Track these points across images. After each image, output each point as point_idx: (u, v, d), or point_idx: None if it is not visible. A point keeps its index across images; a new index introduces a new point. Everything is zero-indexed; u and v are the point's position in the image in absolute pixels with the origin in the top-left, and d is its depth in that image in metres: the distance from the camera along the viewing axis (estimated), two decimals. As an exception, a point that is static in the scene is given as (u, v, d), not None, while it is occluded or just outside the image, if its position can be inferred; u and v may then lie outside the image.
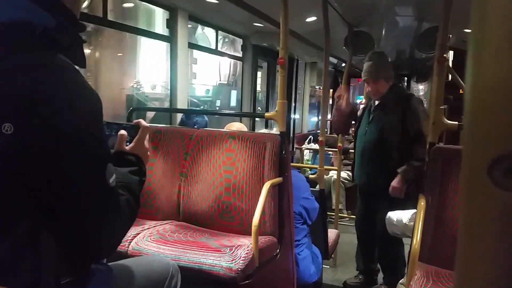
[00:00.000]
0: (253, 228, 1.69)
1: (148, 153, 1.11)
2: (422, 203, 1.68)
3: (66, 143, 0.75)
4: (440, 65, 1.92)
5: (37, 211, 0.77)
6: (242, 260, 1.61)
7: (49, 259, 0.80)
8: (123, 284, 1.08)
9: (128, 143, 1.06)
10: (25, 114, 0.71)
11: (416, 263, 1.48)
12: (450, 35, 2.70)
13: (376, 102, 2.61)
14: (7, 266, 0.75)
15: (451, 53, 4.19)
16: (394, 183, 2.44)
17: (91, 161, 0.80)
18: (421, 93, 10.21)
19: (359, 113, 2.82)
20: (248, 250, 1.67)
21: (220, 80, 6.10)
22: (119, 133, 1.04)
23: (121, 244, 1.19)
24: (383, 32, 4.28)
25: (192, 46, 3.78)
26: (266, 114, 2.28)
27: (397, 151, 2.47)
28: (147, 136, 1.10)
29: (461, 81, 2.37)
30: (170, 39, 3.10)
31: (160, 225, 2.04)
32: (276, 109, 2.08)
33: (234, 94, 5.31)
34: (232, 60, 5.51)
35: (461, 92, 3.13)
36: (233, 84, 5.99)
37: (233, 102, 5.30)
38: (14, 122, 0.70)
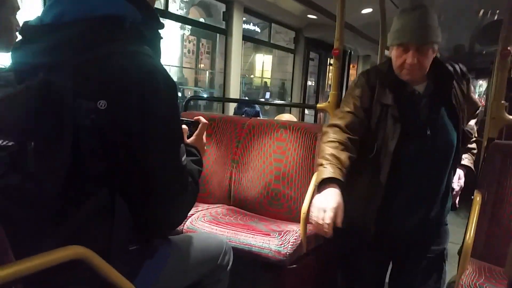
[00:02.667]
0: (302, 216, 1.74)
1: (205, 147, 1.23)
2: (478, 198, 1.64)
3: (150, 122, 0.83)
4: (503, 59, 1.85)
5: (115, 182, 0.85)
6: (290, 245, 1.66)
7: (120, 227, 0.88)
8: (182, 255, 1.16)
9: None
10: (116, 94, 0.80)
11: (468, 258, 1.45)
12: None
13: (419, 87, 1.53)
14: (83, 229, 0.83)
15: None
16: (460, 182, 1.66)
17: (170, 139, 0.89)
18: (482, 88, 9.67)
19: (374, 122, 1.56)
20: (296, 236, 1.72)
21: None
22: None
23: (173, 230, 1.30)
24: (444, 24, 4.12)
25: (246, 38, 3.85)
26: (318, 105, 2.30)
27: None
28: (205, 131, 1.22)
29: None
30: (225, 31, 3.19)
31: (212, 208, 2.14)
32: (329, 100, 2.10)
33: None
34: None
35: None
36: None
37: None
38: (108, 99, 0.79)
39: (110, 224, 0.86)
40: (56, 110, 0.77)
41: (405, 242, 1.61)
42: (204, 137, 1.22)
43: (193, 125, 1.21)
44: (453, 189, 1.64)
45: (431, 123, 1.49)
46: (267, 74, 11.60)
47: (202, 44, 9.63)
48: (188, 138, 1.18)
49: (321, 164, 1.42)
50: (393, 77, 1.53)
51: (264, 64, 12.12)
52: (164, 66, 0.92)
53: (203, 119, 1.22)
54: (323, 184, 1.36)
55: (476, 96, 1.71)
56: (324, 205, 1.31)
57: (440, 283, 1.63)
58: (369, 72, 1.62)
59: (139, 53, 0.86)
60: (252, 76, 12.43)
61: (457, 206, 1.67)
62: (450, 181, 1.59)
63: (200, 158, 1.13)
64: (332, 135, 1.50)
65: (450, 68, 1.58)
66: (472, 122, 1.72)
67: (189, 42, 9.59)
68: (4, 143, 0.76)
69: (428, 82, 1.53)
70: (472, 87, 1.65)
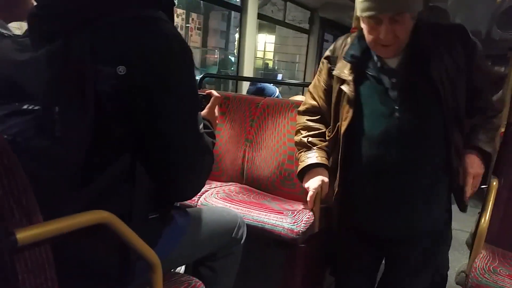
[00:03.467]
0: (313, 194, 1.73)
1: (217, 120, 1.24)
2: (494, 183, 1.62)
3: (169, 88, 0.83)
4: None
5: (136, 148, 0.86)
6: (303, 223, 1.67)
7: (141, 194, 0.90)
8: (199, 226, 1.18)
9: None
10: (136, 59, 0.80)
11: (482, 242, 1.45)
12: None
13: (392, 61, 1.33)
14: (105, 195, 0.83)
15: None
16: (476, 167, 1.35)
17: (188, 106, 0.89)
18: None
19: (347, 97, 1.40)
20: (309, 215, 1.72)
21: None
22: None
23: (191, 199, 1.31)
24: (459, 8, 4.01)
25: (261, 17, 3.80)
26: (334, 85, 2.28)
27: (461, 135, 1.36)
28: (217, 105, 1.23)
29: None
30: (241, 8, 3.15)
31: (225, 185, 2.15)
32: (345, 80, 2.07)
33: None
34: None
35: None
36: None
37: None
38: (127, 65, 0.79)
39: (131, 191, 0.87)
40: (77, 75, 0.77)
41: (391, 241, 1.47)
42: (216, 110, 1.23)
43: (205, 98, 1.23)
44: (458, 185, 1.35)
45: (400, 102, 1.29)
46: (270, 55, 11.29)
47: (192, 19, 9.30)
48: (200, 111, 1.18)
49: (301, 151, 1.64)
50: (362, 49, 1.35)
51: (266, 44, 11.81)
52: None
53: (215, 93, 1.24)
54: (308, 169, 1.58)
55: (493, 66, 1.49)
56: (307, 185, 1.60)
57: (439, 268, 1.52)
58: (336, 42, 1.50)
59: (156, 18, 0.85)
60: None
61: (467, 205, 1.38)
62: (441, 173, 1.33)
63: (212, 130, 1.14)
64: (299, 121, 1.70)
65: (441, 31, 1.32)
66: (490, 95, 1.38)
67: (177, 16, 9.20)
68: (31, 107, 0.76)
69: (403, 55, 1.31)
70: (480, 53, 1.33)
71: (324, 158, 1.57)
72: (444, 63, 1.27)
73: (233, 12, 10.09)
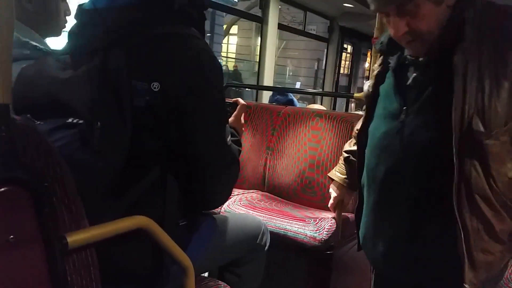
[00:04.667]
0: (338, 203, 1.76)
1: (243, 128, 1.27)
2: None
3: (200, 103, 0.88)
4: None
5: (167, 159, 0.91)
6: (326, 231, 1.69)
7: (172, 202, 0.95)
8: (225, 233, 1.22)
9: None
10: (169, 75, 0.85)
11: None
12: None
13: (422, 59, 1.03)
14: (139, 204, 0.89)
15: None
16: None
17: (217, 120, 0.94)
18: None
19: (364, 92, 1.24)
20: (331, 223, 1.75)
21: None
22: None
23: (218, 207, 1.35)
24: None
25: (281, 27, 3.86)
26: (356, 94, 2.30)
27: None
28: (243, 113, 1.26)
29: None
30: (262, 19, 3.21)
31: (248, 193, 2.19)
32: (366, 89, 2.09)
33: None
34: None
35: None
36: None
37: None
38: (160, 81, 0.84)
39: (163, 199, 0.92)
40: (114, 92, 0.83)
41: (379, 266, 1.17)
42: (242, 118, 1.26)
43: (232, 106, 1.26)
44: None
45: (411, 104, 1.02)
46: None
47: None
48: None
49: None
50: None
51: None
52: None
53: (241, 101, 1.27)
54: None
55: None
56: (331, 191, 1.65)
57: None
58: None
59: (188, 35, 0.89)
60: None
61: None
62: (438, 197, 0.97)
63: (239, 138, 1.18)
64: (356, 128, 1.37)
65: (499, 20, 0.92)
66: None
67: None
68: (75, 120, 0.82)
69: (433, 50, 0.99)
70: None
71: None
72: (472, 64, 0.91)
73: (217, 12, 9.62)
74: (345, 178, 1.58)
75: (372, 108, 1.15)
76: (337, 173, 1.61)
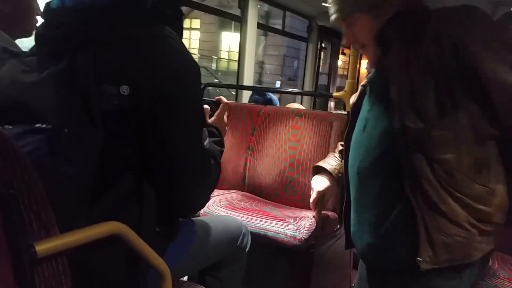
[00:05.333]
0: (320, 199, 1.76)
1: (226, 127, 1.23)
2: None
3: (174, 108, 0.85)
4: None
5: (141, 166, 0.87)
6: (306, 230, 1.70)
7: (149, 209, 0.91)
8: (205, 236, 1.20)
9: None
10: (139, 79, 0.81)
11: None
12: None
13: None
14: (114, 212, 0.85)
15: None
16: None
17: (192, 124, 0.90)
18: None
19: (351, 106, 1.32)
20: (311, 221, 1.75)
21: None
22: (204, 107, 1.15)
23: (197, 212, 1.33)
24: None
25: (261, 26, 3.85)
26: (335, 94, 2.32)
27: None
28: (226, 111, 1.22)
29: None
30: (241, 19, 3.20)
31: (228, 193, 2.18)
32: (345, 89, 2.11)
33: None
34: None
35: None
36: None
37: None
38: (130, 84, 0.80)
39: (140, 206, 0.89)
40: (83, 95, 0.78)
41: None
42: (225, 117, 1.22)
43: (214, 105, 1.22)
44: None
45: (371, 104, 1.12)
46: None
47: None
48: (209, 118, 1.19)
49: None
50: None
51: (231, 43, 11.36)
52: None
53: (224, 99, 1.23)
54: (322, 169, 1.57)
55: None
56: (313, 186, 1.58)
57: None
58: None
59: (161, 35, 0.85)
60: (215, 57, 11.62)
61: None
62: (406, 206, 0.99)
63: (221, 138, 1.14)
64: None
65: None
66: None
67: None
68: (44, 125, 0.78)
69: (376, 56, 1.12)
70: (480, 49, 0.90)
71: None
72: (414, 62, 0.97)
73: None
74: (335, 168, 1.56)
75: (356, 114, 1.24)
76: (327, 164, 1.57)
